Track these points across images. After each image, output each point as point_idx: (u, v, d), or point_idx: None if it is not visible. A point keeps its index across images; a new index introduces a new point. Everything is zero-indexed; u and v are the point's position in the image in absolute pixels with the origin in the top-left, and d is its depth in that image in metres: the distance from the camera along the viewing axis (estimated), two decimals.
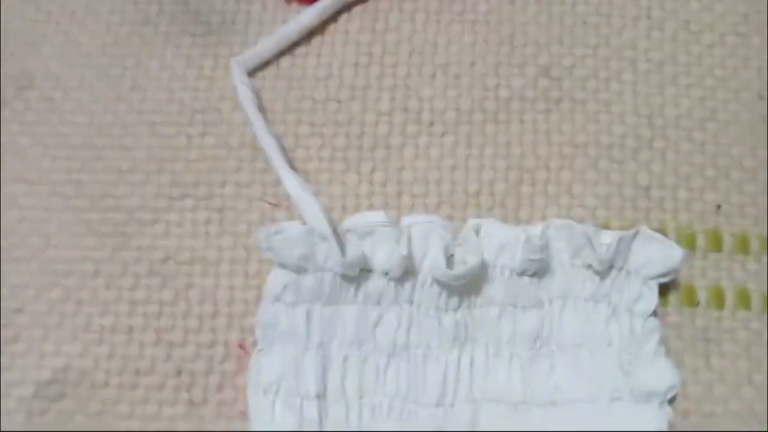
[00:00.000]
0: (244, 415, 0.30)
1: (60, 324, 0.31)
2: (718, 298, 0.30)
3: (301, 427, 0.28)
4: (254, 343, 0.30)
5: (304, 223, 0.29)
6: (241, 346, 0.30)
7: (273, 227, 0.28)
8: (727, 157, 0.31)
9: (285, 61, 0.34)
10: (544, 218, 0.31)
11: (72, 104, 0.34)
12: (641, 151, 0.32)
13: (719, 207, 0.31)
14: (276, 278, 0.29)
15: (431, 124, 0.33)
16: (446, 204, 0.32)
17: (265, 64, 0.33)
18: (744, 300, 0.30)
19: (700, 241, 0.31)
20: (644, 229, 0.28)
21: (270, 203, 0.32)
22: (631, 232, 0.28)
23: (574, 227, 0.28)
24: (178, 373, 0.30)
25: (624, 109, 0.32)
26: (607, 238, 0.28)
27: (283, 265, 0.28)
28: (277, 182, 0.32)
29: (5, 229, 0.32)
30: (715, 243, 0.31)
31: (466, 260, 0.28)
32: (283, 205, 0.32)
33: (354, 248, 0.28)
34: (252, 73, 0.33)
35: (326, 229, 0.28)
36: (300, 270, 0.28)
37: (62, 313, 0.31)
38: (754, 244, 0.31)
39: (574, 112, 0.32)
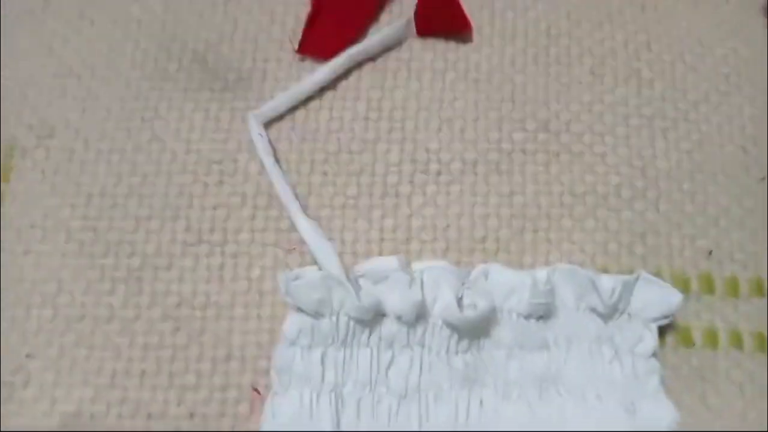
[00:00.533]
0: None
1: (72, 368, 0.31)
2: (712, 339, 0.31)
3: None
4: (267, 387, 0.30)
5: (320, 269, 0.30)
6: (256, 390, 0.31)
7: (292, 273, 0.29)
8: (715, 206, 0.33)
9: (299, 115, 0.35)
10: (547, 263, 0.32)
11: (92, 154, 0.35)
12: (636, 200, 0.33)
13: (710, 252, 0.32)
14: (292, 323, 0.29)
15: (438, 174, 0.34)
16: (453, 249, 0.33)
17: (280, 117, 0.35)
18: (736, 340, 0.31)
19: (694, 285, 0.32)
20: (644, 274, 0.30)
21: (284, 249, 0.33)
22: (633, 276, 0.29)
23: (578, 272, 0.30)
24: (191, 416, 0.30)
25: (618, 161, 0.34)
26: (609, 282, 0.29)
27: (299, 310, 0.29)
28: (291, 229, 0.33)
29: (19, 275, 0.32)
30: (708, 286, 0.32)
31: (476, 304, 0.29)
32: (297, 250, 0.33)
33: (369, 293, 0.29)
34: (268, 125, 0.35)
35: (341, 274, 0.29)
36: (317, 314, 0.29)
37: (74, 358, 0.31)
38: (744, 287, 0.32)
39: (573, 164, 0.34)
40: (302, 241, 0.33)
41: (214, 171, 0.34)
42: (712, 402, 0.30)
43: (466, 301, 0.29)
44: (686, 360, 0.31)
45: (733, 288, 0.32)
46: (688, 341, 0.31)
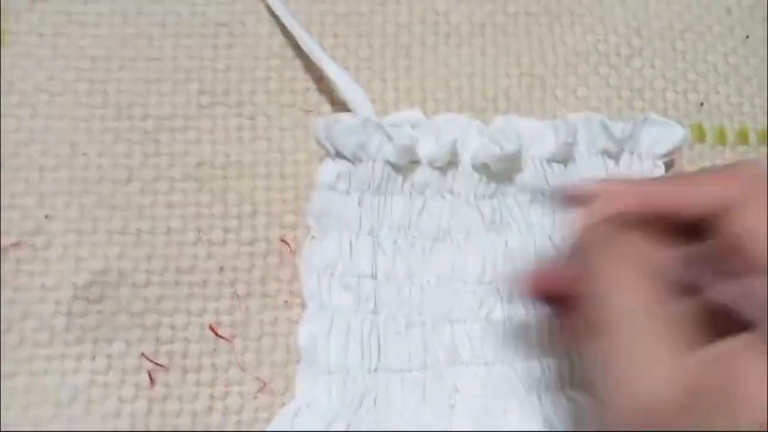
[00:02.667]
0: (288, 304, 0.29)
1: (95, 228, 0.29)
2: None
3: (358, 304, 0.28)
4: (295, 239, 0.30)
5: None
6: (284, 241, 0.30)
7: (330, 117, 0.28)
8: (704, 63, 0.34)
9: None
10: (555, 119, 0.33)
11: (91, 17, 0.32)
12: (634, 58, 0.34)
13: (701, 105, 0.34)
14: (329, 168, 0.29)
15: (448, 35, 0.34)
16: (467, 108, 0.33)
17: None
18: None
19: (687, 133, 0.33)
20: (651, 114, 0.31)
21: (302, 109, 0.32)
22: (642, 116, 0.31)
23: (591, 117, 0.30)
24: (221, 269, 0.30)
25: (616, 22, 0.34)
26: (619, 124, 0.30)
27: (337, 155, 0.28)
28: (307, 90, 0.32)
29: (29, 138, 0.30)
30: (699, 136, 0.34)
31: (503, 147, 0.29)
32: (315, 111, 0.32)
33: (405, 136, 0.28)
34: None
35: (376, 119, 0.28)
36: (355, 159, 0.29)
37: (96, 218, 0.30)
38: (731, 137, 0.34)
39: (574, 25, 0.34)
40: (321, 102, 0.32)
41: (223, 33, 0.33)
42: None
43: (492, 146, 0.30)
44: None
45: (721, 137, 0.34)
46: None
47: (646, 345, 0.19)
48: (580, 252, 0.22)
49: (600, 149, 0.30)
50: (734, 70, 0.34)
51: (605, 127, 0.30)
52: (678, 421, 0.18)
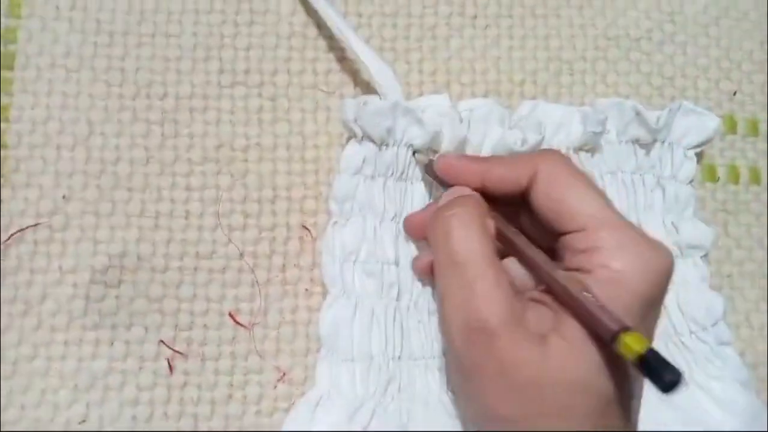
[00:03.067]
0: (308, 292, 0.29)
1: (113, 211, 0.29)
2: (734, 175, 0.32)
3: (381, 291, 0.27)
4: (316, 225, 0.29)
5: (380, 97, 0.28)
6: (305, 227, 0.29)
7: (360, 99, 0.27)
8: (738, 51, 0.33)
9: None
10: (583, 105, 0.32)
11: None
12: (665, 44, 0.33)
13: (734, 94, 0.33)
14: (355, 151, 0.28)
15: (475, 17, 0.32)
16: (493, 92, 0.32)
17: None
18: (755, 176, 0.32)
19: (720, 124, 0.32)
20: (685, 103, 0.30)
21: (324, 91, 0.31)
22: (676, 104, 0.29)
23: (623, 103, 0.29)
24: (241, 255, 0.29)
25: (649, 7, 0.33)
26: (653, 113, 0.29)
27: (364, 138, 0.28)
28: (329, 71, 0.31)
29: (45, 115, 0.29)
30: (731, 126, 0.32)
31: (526, 138, 0.28)
32: (337, 93, 0.31)
33: (432, 123, 0.27)
34: None
35: (404, 102, 0.27)
36: (382, 143, 0.28)
37: (114, 200, 0.29)
38: (763, 127, 0.33)
39: (605, 8, 0.33)
40: (343, 84, 0.31)
41: (244, 10, 0.31)
42: (733, 231, 0.32)
43: (515, 135, 0.29)
44: (711, 194, 0.32)
45: (753, 127, 0.33)
46: (713, 177, 0.32)
47: (477, 279, 0.23)
48: (436, 207, 0.26)
49: (632, 137, 0.29)
50: None
51: (639, 115, 0.29)
52: (503, 341, 0.22)
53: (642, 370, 0.20)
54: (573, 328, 0.22)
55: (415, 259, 0.28)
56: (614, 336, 0.20)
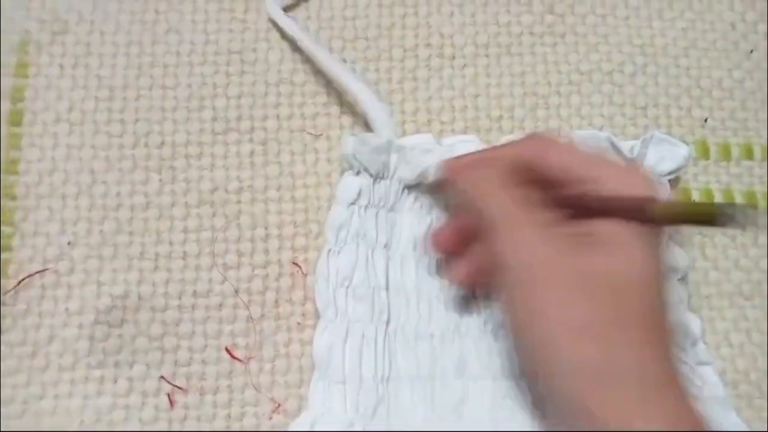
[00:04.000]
0: (300, 326, 0.30)
1: (115, 254, 0.30)
2: (708, 199, 0.33)
3: (372, 315, 0.28)
4: (307, 261, 0.31)
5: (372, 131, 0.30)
6: (296, 264, 0.31)
7: (358, 138, 0.29)
8: (708, 79, 0.34)
9: (313, 4, 0.34)
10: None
11: (109, 48, 0.33)
12: (637, 76, 0.34)
13: (705, 120, 0.34)
14: (352, 183, 0.29)
15: (453, 57, 0.34)
16: (472, 128, 0.33)
17: (294, 5, 0.34)
18: (729, 199, 0.33)
19: (691, 151, 0.33)
20: (657, 133, 0.31)
21: (311, 134, 0.32)
22: (649, 135, 0.30)
23: (598, 134, 0.30)
24: (236, 292, 0.30)
25: (620, 41, 0.34)
26: (627, 143, 0.30)
27: (360, 172, 0.29)
28: (316, 115, 0.33)
29: (51, 167, 0.31)
30: (704, 152, 0.33)
31: None
32: (323, 135, 0.32)
33: (420, 161, 0.29)
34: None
35: (396, 137, 0.29)
36: (377, 177, 0.29)
37: (116, 244, 0.30)
38: (735, 151, 0.33)
39: (578, 44, 0.34)
40: (329, 127, 0.33)
41: (235, 61, 0.33)
42: (710, 253, 0.32)
43: None
44: None
45: (725, 152, 0.33)
46: (688, 201, 0.33)
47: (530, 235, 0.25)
48: (458, 192, 0.28)
49: None
50: (739, 85, 0.34)
51: (613, 145, 0.30)
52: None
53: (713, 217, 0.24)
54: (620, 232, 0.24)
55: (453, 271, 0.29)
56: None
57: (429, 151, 0.29)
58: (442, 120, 0.33)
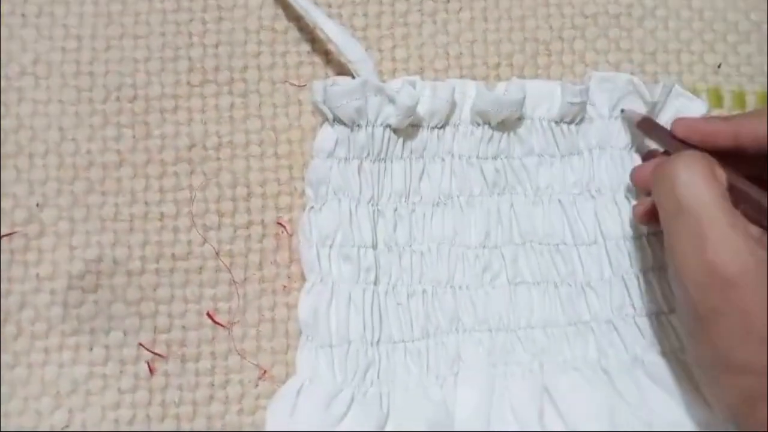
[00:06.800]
0: (286, 289, 0.28)
1: (87, 216, 0.28)
2: None
3: (359, 275, 0.26)
4: (292, 221, 0.28)
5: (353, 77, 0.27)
6: (280, 223, 0.28)
7: (329, 80, 0.26)
8: (723, 22, 0.31)
9: None
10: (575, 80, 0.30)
11: None
12: (646, 19, 0.31)
13: (719, 66, 0.31)
14: (328, 134, 0.26)
15: (447, 1, 0.31)
16: (468, 77, 0.30)
17: None
18: None
19: (704, 99, 0.30)
20: (676, 86, 0.28)
21: (294, 84, 0.30)
22: (670, 83, 0.28)
23: (617, 76, 0.28)
24: (217, 255, 0.28)
25: None
26: (653, 89, 0.28)
27: (336, 121, 0.26)
28: (300, 64, 0.30)
29: (17, 124, 0.28)
30: (717, 100, 0.30)
31: (504, 93, 0.27)
32: (308, 86, 0.30)
33: (407, 96, 0.26)
34: None
35: (377, 80, 0.26)
36: (353, 124, 0.26)
37: (88, 205, 0.28)
38: (750, 100, 0.31)
39: None
40: (314, 77, 0.30)
41: (212, 7, 0.30)
42: None
43: (489, 93, 0.27)
44: None
45: (739, 101, 0.31)
46: None
47: (709, 224, 0.22)
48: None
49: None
50: (756, 28, 0.31)
51: (636, 88, 0.27)
52: (745, 289, 0.21)
53: None
54: None
55: (636, 206, 0.26)
56: None
57: (416, 91, 0.26)
58: (436, 68, 0.30)
